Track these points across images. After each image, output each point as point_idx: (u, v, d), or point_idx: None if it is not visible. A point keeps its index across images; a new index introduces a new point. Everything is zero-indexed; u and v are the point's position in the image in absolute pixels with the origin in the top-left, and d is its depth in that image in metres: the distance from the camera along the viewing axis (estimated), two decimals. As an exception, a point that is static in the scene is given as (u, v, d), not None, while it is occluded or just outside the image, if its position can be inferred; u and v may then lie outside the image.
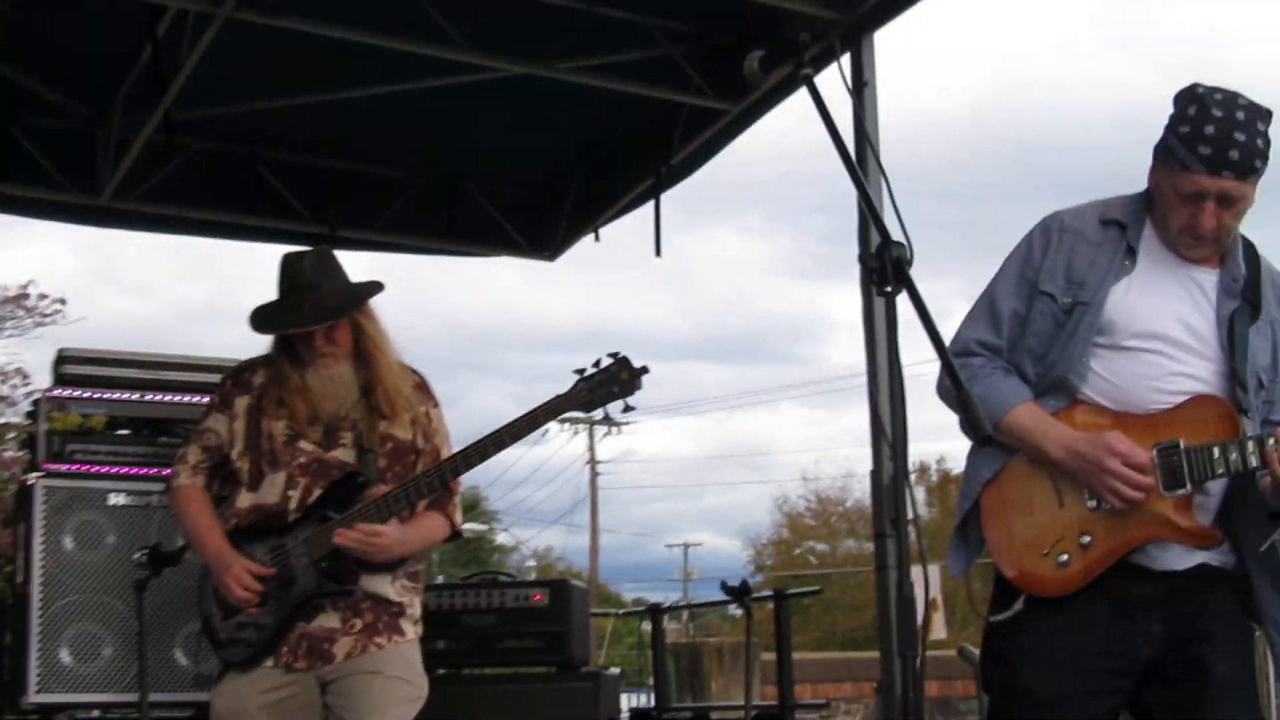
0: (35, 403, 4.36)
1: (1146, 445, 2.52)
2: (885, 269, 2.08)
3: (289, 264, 3.52)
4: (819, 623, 29.01)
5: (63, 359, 4.43)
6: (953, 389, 2.38)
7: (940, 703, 11.35)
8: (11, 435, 10.57)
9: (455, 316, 60.97)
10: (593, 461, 33.26)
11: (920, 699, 2.09)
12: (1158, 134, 2.64)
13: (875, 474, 4.73)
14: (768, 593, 5.33)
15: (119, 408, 4.31)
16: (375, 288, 3.53)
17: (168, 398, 4.33)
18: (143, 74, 5.43)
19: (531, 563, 36.30)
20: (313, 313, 3.42)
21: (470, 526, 33.60)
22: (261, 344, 3.58)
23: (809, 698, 9.28)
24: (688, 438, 63.94)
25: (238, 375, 3.62)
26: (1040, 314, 2.63)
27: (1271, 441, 2.45)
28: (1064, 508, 2.58)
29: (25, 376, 12.50)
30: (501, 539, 35.64)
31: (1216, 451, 2.48)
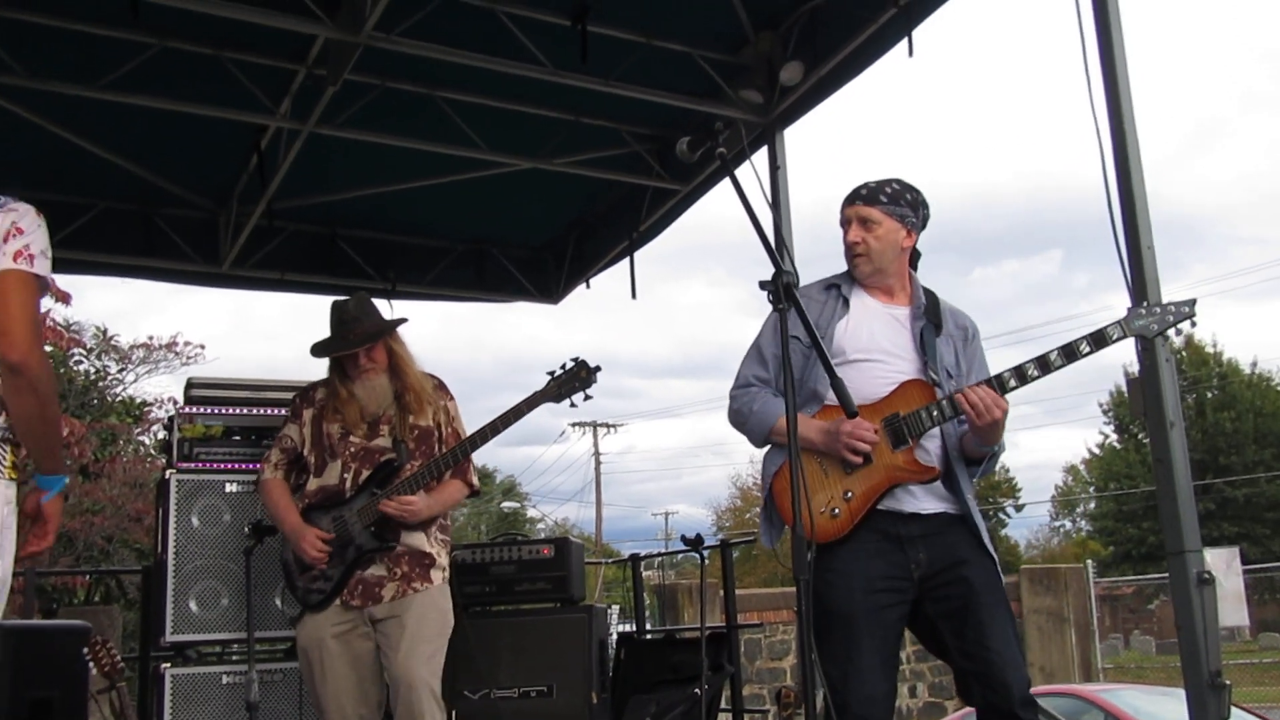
0: (170, 418, 4.26)
1: (877, 421, 2.59)
2: (779, 290, 2.06)
3: (337, 306, 3.44)
4: (765, 567, 28.77)
5: (191, 385, 4.32)
6: (741, 412, 2.72)
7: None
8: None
9: (497, 349, 61.23)
10: (596, 454, 33.61)
11: (810, 612, 2.05)
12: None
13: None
14: (716, 542, 5.21)
15: (232, 420, 4.19)
16: (400, 321, 3.47)
17: (267, 411, 4.22)
18: (251, 175, 5.37)
19: (544, 529, 35.93)
20: (356, 339, 3.36)
21: (508, 504, 33.48)
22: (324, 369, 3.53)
23: (755, 621, 9.15)
24: (670, 434, 64.00)
25: (304, 393, 3.54)
26: (793, 352, 2.64)
27: (957, 397, 2.56)
28: (828, 477, 2.59)
29: (176, 403, 12.42)
30: (531, 513, 35.40)
31: (923, 413, 2.58)
